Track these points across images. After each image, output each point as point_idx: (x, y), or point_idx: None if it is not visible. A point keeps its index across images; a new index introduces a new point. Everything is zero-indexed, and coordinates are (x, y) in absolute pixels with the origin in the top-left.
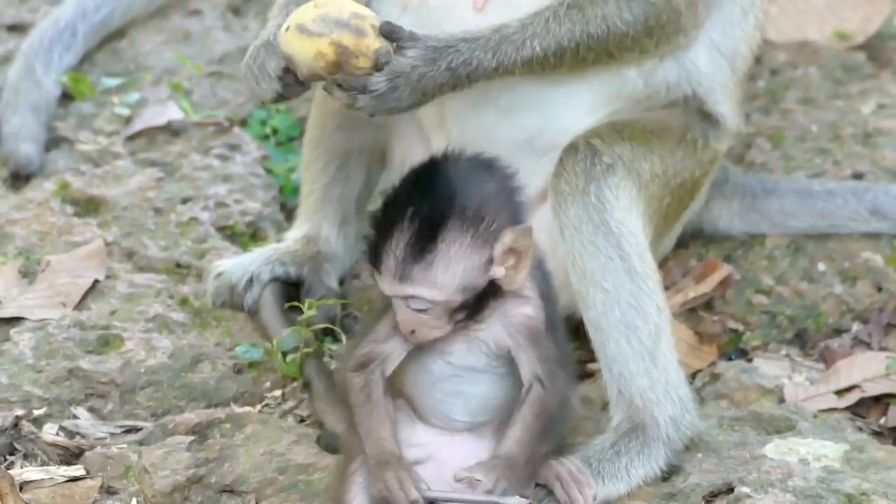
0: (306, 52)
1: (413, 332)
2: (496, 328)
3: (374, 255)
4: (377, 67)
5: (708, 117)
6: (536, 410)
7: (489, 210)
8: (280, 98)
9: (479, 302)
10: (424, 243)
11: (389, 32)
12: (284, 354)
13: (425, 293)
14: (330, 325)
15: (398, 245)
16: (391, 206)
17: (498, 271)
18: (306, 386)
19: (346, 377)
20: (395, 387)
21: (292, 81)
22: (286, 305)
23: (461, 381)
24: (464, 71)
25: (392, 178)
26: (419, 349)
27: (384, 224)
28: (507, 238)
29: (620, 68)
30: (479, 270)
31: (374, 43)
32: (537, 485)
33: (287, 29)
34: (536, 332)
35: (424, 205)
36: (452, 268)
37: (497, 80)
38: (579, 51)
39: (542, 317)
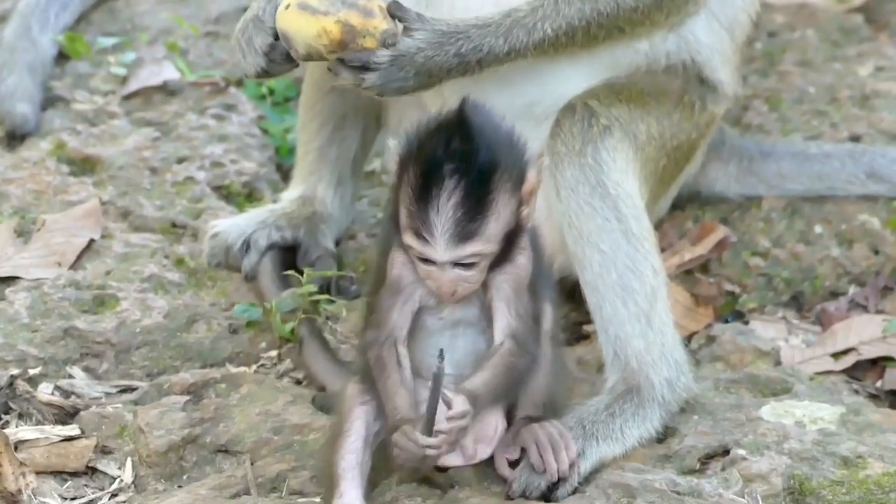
0: (308, 30)
1: (454, 293)
2: (501, 281)
3: (424, 225)
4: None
5: (706, 83)
6: (506, 363)
7: (516, 154)
8: (264, 74)
9: (508, 246)
10: (477, 200)
11: (397, 13)
12: (282, 317)
13: (482, 247)
14: (324, 292)
15: (451, 206)
16: (431, 169)
17: (525, 211)
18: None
19: (362, 353)
20: None
21: (280, 58)
22: (284, 273)
23: (449, 335)
24: (474, 57)
25: (393, 140)
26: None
27: (429, 189)
28: (532, 177)
29: (631, 42)
30: (515, 214)
31: (382, 24)
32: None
33: (287, 6)
34: (521, 283)
35: (469, 160)
36: (502, 215)
37: (508, 64)
38: (590, 29)
39: (530, 270)
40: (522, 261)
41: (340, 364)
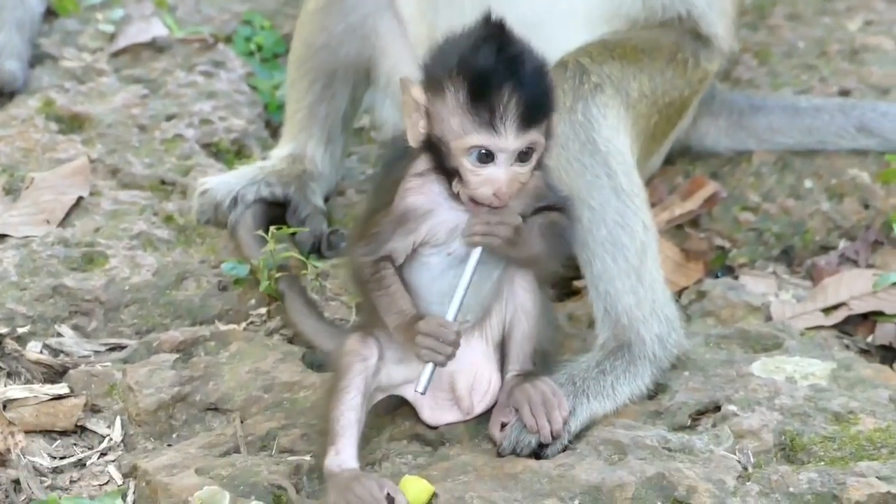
0: None
1: (512, 193)
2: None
3: (492, 115)
4: None
5: (700, 37)
6: (550, 221)
7: (550, 76)
8: None
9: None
10: (540, 90)
11: None
12: (268, 274)
13: (539, 137)
14: (316, 247)
15: (517, 95)
16: (489, 75)
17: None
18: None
19: (356, 267)
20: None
21: None
22: (272, 230)
23: (456, 274)
24: None
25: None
26: (422, 246)
27: (492, 90)
28: (553, 79)
29: None
30: (550, 127)
31: None
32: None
33: None
34: (541, 189)
35: (525, 55)
36: (553, 109)
37: None
38: None
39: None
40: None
41: (324, 320)
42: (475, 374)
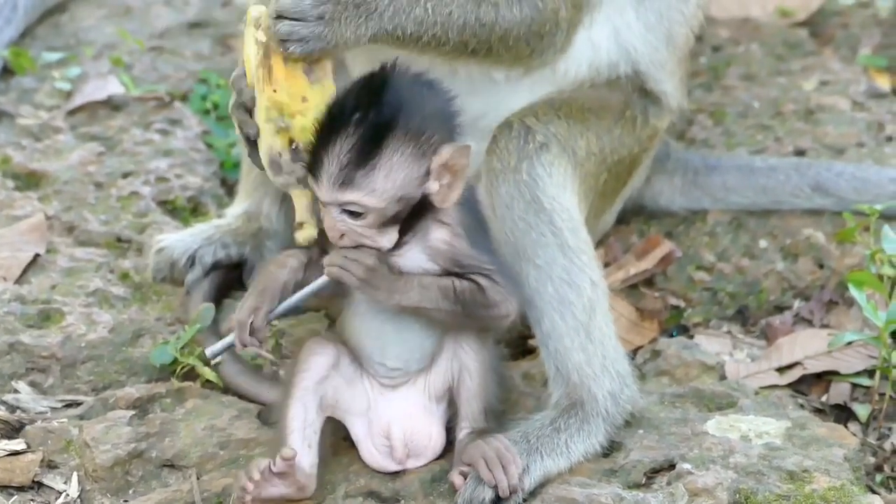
0: None
1: (342, 235)
2: (415, 253)
3: (315, 162)
4: None
5: (648, 95)
6: (455, 286)
7: (431, 124)
8: None
9: (410, 218)
10: (369, 149)
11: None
12: (206, 362)
13: (364, 199)
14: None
15: (341, 151)
16: (336, 113)
17: (433, 186)
18: None
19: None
20: (342, 336)
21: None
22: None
23: (389, 322)
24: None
25: None
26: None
27: (328, 130)
28: (445, 153)
29: (491, 68)
30: (416, 182)
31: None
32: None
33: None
34: (456, 255)
35: (371, 112)
36: (392, 175)
37: (393, 43)
38: (465, 31)
39: (461, 246)
40: (445, 236)
41: (262, 376)
42: (412, 427)
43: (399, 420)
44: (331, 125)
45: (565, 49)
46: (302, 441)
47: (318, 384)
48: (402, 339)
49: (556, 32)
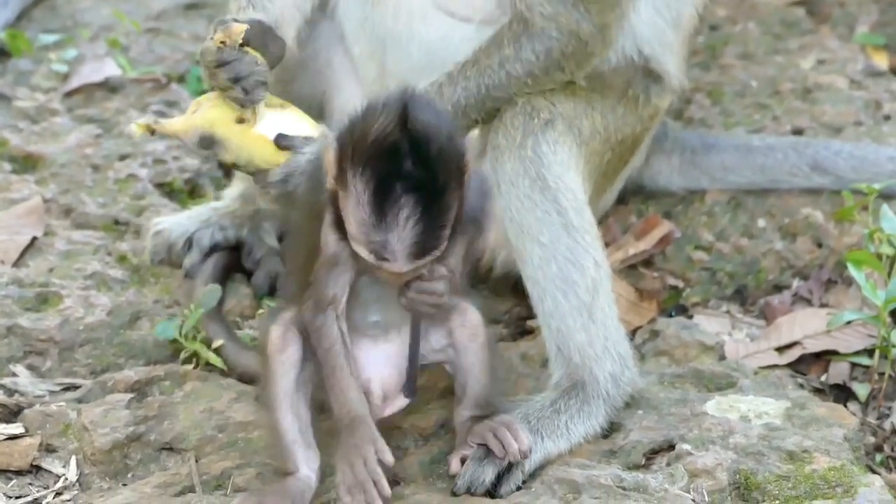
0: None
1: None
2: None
3: (385, 249)
4: None
5: (651, 74)
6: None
7: (456, 149)
8: None
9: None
10: (435, 220)
11: (286, 146)
12: (208, 344)
13: (437, 253)
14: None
15: (409, 232)
16: (385, 192)
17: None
18: None
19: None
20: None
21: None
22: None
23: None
24: None
25: (329, 132)
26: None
27: (386, 215)
28: (470, 167)
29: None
30: (459, 202)
31: (280, 158)
32: (478, 445)
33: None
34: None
35: (423, 186)
36: (451, 215)
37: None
38: (485, 104)
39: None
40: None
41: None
42: (391, 382)
43: (375, 379)
44: (385, 203)
45: (611, 44)
46: (305, 449)
47: (296, 380)
48: (382, 294)
49: (588, 44)
